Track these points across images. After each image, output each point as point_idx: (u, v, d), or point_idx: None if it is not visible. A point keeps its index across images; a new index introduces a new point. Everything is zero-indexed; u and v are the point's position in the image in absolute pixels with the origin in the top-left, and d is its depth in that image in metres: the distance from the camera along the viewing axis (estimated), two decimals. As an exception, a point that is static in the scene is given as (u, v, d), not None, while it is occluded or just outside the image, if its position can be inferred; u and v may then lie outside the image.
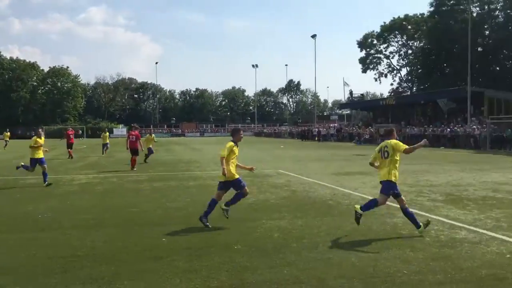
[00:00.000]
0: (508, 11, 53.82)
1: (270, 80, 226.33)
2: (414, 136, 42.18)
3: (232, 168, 8.05)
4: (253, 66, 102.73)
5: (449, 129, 38.59)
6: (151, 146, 22.72)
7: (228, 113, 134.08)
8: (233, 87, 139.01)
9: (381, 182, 7.43)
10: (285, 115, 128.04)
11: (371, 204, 7.42)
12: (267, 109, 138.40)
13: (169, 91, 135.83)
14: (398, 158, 7.36)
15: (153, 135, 23.97)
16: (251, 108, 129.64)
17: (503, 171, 17.29)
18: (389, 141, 7.47)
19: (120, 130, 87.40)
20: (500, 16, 56.43)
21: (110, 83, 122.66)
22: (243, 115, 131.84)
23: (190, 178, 15.92)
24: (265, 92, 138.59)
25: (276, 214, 9.16)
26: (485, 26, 56.95)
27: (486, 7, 56.80)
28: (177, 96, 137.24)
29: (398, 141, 7.46)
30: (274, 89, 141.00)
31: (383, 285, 5.06)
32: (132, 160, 19.24)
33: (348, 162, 22.85)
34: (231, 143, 8.14)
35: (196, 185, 14.02)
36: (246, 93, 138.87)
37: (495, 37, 55.09)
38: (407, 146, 7.42)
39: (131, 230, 7.86)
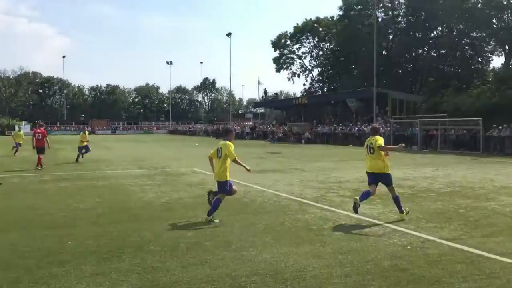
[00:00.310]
0: (410, 17, 57.62)
1: (185, 77, 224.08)
2: (325, 135, 43.92)
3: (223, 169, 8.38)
4: (167, 62, 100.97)
5: (356, 128, 40.55)
6: (87, 143, 21.81)
7: (142, 111, 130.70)
8: (147, 84, 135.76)
9: (379, 174, 8.33)
10: (200, 113, 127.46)
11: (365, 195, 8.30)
12: (182, 106, 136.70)
13: (78, 86, 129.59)
14: (383, 152, 8.29)
15: (86, 132, 22.96)
16: (165, 105, 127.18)
17: (404, 167, 18.46)
18: (373, 137, 8.46)
19: (23, 127, 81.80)
20: (402, 22, 60.24)
21: (11, 77, 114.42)
22: (157, 113, 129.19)
23: (100, 177, 15.28)
24: (179, 90, 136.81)
25: (191, 212, 9.06)
26: (389, 31, 60.49)
27: (390, 13, 60.36)
28: (87, 92, 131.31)
29: (379, 137, 8.46)
30: (189, 86, 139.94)
31: (294, 280, 5.16)
32: (38, 159, 18.17)
33: (262, 160, 23.20)
34: (231, 143, 8.52)
35: (106, 184, 13.48)
36: (160, 90, 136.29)
37: (398, 42, 58.73)
38: (383, 144, 8.35)
39: (34, 233, 7.36)
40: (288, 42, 76.39)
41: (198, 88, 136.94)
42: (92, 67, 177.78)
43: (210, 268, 5.55)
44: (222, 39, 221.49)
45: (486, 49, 54.18)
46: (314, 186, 12.89)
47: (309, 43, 76.04)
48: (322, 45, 75.68)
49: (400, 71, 61.11)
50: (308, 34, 74.34)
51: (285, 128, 52.59)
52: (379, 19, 58.09)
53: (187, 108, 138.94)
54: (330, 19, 71.73)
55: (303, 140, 44.13)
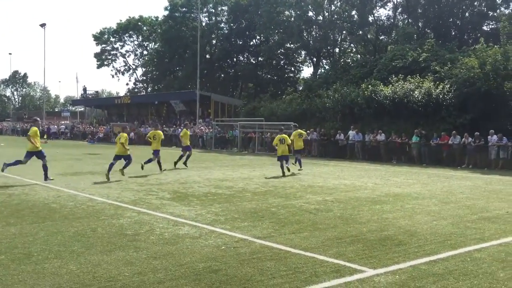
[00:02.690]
0: (232, 24, 60.05)
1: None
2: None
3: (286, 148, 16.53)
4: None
5: (180, 129, 40.64)
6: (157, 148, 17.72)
7: None
8: None
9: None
10: (9, 110, 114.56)
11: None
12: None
13: None
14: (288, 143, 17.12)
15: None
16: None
17: (224, 168, 19.04)
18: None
19: None
20: (225, 29, 62.46)
21: None
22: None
23: None
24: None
25: (-16, 223, 7.89)
26: (213, 36, 62.17)
27: (214, 18, 62.10)
28: None
29: (287, 136, 17.41)
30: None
31: (102, 291, 4.78)
32: None
33: (79, 161, 21.71)
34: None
35: None
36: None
37: (220, 47, 60.68)
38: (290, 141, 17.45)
39: None
40: (112, 39, 73.25)
41: (6, 82, 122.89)
42: None
43: (2, 286, 4.83)
44: (35, 29, 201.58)
45: (298, 59, 59.38)
46: (133, 189, 12.42)
47: (132, 41, 74.06)
48: (147, 44, 74.40)
49: (222, 75, 63.24)
50: (131, 32, 72.37)
51: (106, 128, 50.22)
52: (203, 23, 59.39)
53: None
54: (154, 19, 70.96)
55: (125, 140, 42.58)
